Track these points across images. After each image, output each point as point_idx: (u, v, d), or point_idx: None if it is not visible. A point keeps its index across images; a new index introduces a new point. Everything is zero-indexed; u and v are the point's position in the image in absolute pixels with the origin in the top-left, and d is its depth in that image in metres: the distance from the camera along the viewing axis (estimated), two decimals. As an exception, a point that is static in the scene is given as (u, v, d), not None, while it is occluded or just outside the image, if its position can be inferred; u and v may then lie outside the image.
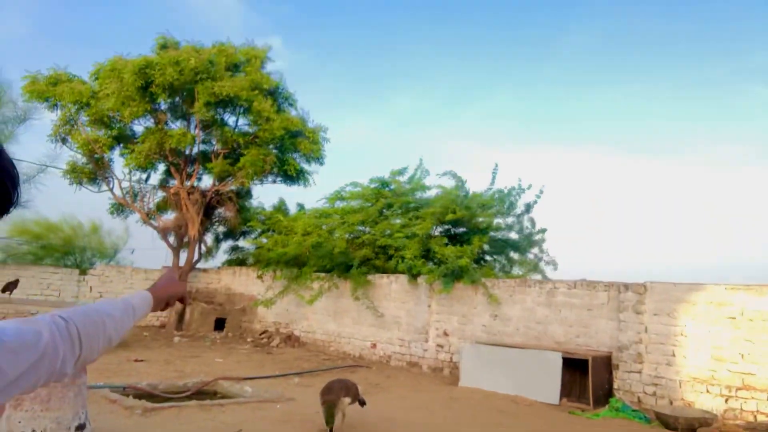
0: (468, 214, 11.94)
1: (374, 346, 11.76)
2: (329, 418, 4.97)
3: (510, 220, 12.88)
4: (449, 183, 13.10)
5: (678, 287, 8.00)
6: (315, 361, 10.90)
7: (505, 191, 12.63)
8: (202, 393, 7.10)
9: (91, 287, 14.51)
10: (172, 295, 1.55)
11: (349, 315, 12.45)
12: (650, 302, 8.16)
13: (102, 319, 1.26)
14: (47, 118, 15.74)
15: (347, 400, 5.25)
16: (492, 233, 12.34)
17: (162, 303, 1.52)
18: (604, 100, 35.88)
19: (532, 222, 12.84)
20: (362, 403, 5.48)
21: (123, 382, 6.80)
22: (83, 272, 14.83)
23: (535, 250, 12.88)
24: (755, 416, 7.10)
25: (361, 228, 12.91)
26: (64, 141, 14.00)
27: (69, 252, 16.24)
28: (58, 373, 1.12)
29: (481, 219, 11.69)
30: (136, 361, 8.97)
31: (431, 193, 13.58)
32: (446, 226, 12.54)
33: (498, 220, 12.67)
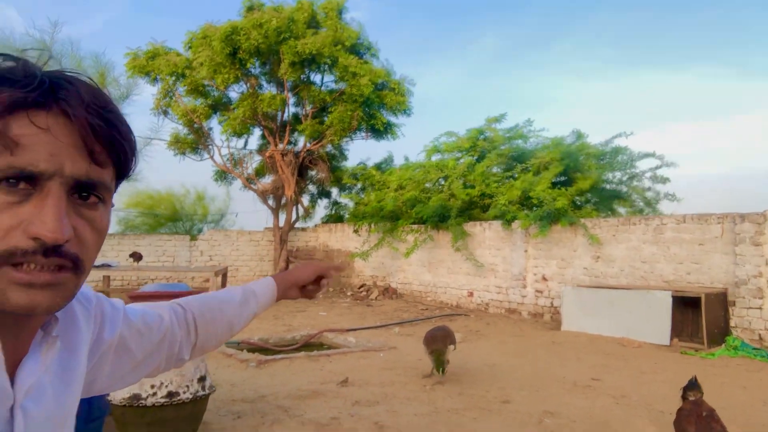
0: (576, 164, 11.46)
1: (471, 294, 11.79)
2: (439, 365, 5.08)
3: (623, 175, 12.16)
4: (559, 130, 12.60)
5: (804, 215, 7.28)
6: (413, 311, 11.11)
7: (623, 148, 11.90)
8: (309, 345, 7.49)
9: (201, 251, 15.56)
10: (299, 278, 1.42)
11: (444, 265, 12.51)
12: (772, 233, 7.50)
13: (220, 307, 1.26)
14: (148, 93, 16.71)
15: (452, 347, 5.38)
16: (599, 185, 11.71)
17: (288, 288, 1.40)
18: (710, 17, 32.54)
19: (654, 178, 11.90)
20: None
21: (237, 338, 7.29)
22: (193, 238, 15.91)
23: (649, 190, 12.07)
24: None
25: (458, 180, 12.78)
26: (165, 113, 14.82)
27: (179, 219, 17.43)
28: (176, 358, 1.16)
29: (590, 174, 11.11)
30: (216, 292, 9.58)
31: (533, 142, 13.20)
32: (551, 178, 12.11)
33: (609, 174, 12.04)
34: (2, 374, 0.72)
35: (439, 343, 5.19)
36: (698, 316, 7.52)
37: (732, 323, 7.73)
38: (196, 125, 14.63)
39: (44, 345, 0.80)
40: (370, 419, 4.13)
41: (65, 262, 0.69)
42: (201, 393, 3.44)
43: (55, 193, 0.68)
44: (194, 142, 15.20)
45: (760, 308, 7.53)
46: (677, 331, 7.63)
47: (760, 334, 7.45)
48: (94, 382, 0.99)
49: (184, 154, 15.38)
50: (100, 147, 0.71)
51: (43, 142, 0.67)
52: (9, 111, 0.68)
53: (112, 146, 0.73)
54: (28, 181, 0.67)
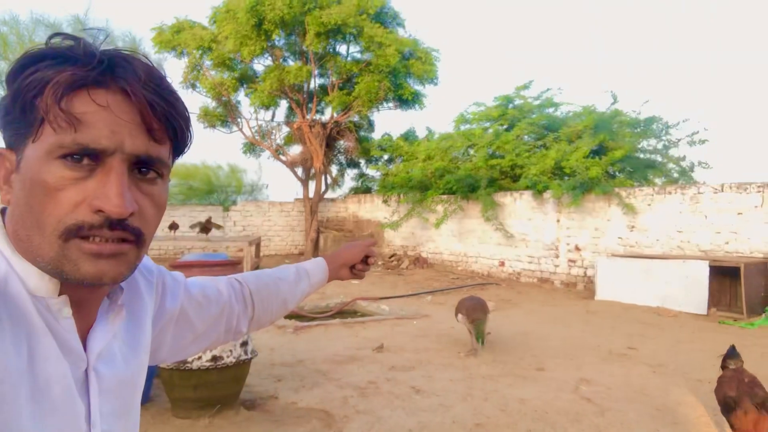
0: (610, 132, 11.19)
1: (502, 263, 11.76)
2: (480, 335, 5.06)
3: (658, 145, 11.86)
4: (591, 97, 12.32)
5: None
6: (444, 280, 11.15)
7: (658, 116, 11.59)
8: (343, 312, 7.60)
9: (234, 222, 15.82)
10: (348, 258, 1.45)
11: (475, 235, 12.48)
12: (816, 201, 7.27)
13: (275, 283, 1.30)
14: (176, 67, 16.81)
15: (488, 316, 5.36)
16: (633, 154, 11.42)
17: (339, 268, 1.44)
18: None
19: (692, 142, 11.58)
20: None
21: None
22: (226, 209, 16.16)
23: (683, 159, 11.76)
24: None
25: (488, 150, 12.63)
26: (193, 87, 14.94)
27: (213, 191, 17.69)
28: (234, 330, 1.20)
29: (624, 143, 10.84)
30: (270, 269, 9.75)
31: (564, 111, 12.92)
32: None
33: (643, 143, 11.74)
34: (75, 338, 0.76)
35: (479, 312, 5.15)
36: (737, 286, 7.39)
37: (772, 293, 7.57)
38: (224, 98, 14.71)
39: (111, 313, 0.83)
40: (407, 383, 4.20)
41: (128, 235, 0.72)
42: (243, 357, 3.54)
43: (118, 169, 0.70)
44: (223, 115, 15.31)
45: (802, 278, 7.34)
46: (715, 300, 7.51)
47: (801, 304, 7.28)
48: (158, 350, 1.02)
49: (213, 127, 15.52)
50: (158, 124, 0.73)
51: (104, 119, 0.70)
52: (71, 89, 0.70)
53: (169, 123, 0.75)
54: (91, 158, 0.70)
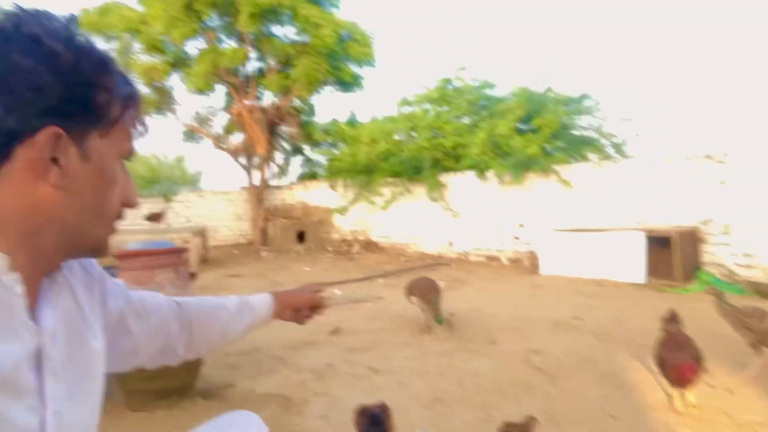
0: (541, 108, 11.47)
1: (451, 244, 11.96)
2: (439, 315, 5.05)
3: (591, 121, 12.29)
4: (526, 78, 12.61)
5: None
6: (395, 263, 11.25)
7: (589, 95, 11.97)
8: (295, 299, 7.56)
9: (177, 213, 15.37)
10: (297, 303, 1.45)
11: (423, 216, 12.62)
12: (737, 169, 7.73)
13: (216, 311, 1.29)
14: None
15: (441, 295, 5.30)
16: (566, 130, 11.80)
17: (287, 308, 1.43)
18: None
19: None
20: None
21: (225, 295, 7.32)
22: (168, 199, 15.68)
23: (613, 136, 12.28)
24: None
25: (428, 130, 12.73)
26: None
27: (155, 182, 17.13)
28: (170, 352, 1.21)
29: (556, 115, 11.14)
30: (231, 277, 9.58)
31: (501, 91, 13.14)
32: (516, 124, 12.15)
33: (576, 119, 12.12)
34: (27, 317, 0.77)
35: (432, 293, 5.12)
36: (671, 254, 7.79)
37: (704, 260, 8.03)
38: (157, 84, 14.18)
39: (52, 292, 0.85)
40: (364, 364, 4.25)
41: None
42: (198, 348, 3.48)
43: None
44: (157, 101, 14.77)
45: (729, 244, 7.83)
46: (653, 269, 7.90)
47: (730, 269, 7.77)
48: None
49: (148, 114, 14.94)
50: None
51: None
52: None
53: None
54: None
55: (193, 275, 3.67)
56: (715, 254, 7.95)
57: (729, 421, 3.06)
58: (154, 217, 11.17)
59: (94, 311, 0.96)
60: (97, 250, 0.87)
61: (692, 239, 8.03)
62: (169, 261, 3.38)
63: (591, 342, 4.80)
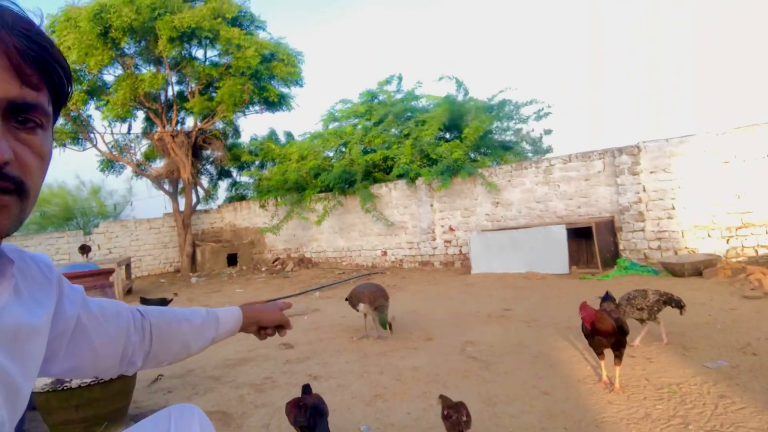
0: (464, 115, 11.91)
1: (384, 253, 12.07)
2: (384, 322, 4.97)
3: (510, 124, 12.96)
4: (447, 88, 13.15)
5: (670, 142, 8.10)
6: (331, 276, 11.23)
7: (509, 100, 12.62)
8: (230, 320, 7.39)
9: (98, 245, 14.67)
10: (264, 318, 1.42)
11: (356, 228, 12.69)
12: (645, 161, 8.29)
13: (179, 323, 1.25)
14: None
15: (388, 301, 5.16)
16: (488, 135, 12.33)
17: (253, 324, 1.41)
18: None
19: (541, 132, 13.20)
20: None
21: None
22: (87, 232, 14.96)
23: (536, 146, 13.15)
24: (756, 251, 7.42)
25: (358, 144, 12.88)
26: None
27: (70, 217, 16.29)
28: (128, 361, 1.16)
29: (477, 122, 11.56)
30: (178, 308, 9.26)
31: (425, 103, 13.50)
32: (441, 132, 12.54)
33: (497, 124, 12.67)
34: None
35: (381, 298, 5.02)
36: (591, 245, 8.22)
37: (621, 246, 8.53)
38: (73, 113, 13.60)
39: None
40: (303, 373, 4.22)
41: (7, 184, 0.70)
42: (127, 370, 3.35)
43: None
44: (73, 131, 14.15)
45: (643, 230, 8.35)
46: (575, 259, 8.31)
47: (645, 253, 8.28)
48: (52, 359, 0.98)
49: (64, 145, 14.29)
50: (30, 69, 0.72)
51: None
52: None
53: (43, 68, 0.73)
54: None
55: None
56: (631, 241, 8.45)
57: (649, 384, 3.27)
58: (85, 249, 10.85)
59: (48, 315, 0.93)
60: None
61: (610, 229, 8.51)
62: (96, 282, 3.27)
63: (521, 329, 4.99)
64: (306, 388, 2.72)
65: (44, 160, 0.77)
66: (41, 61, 0.72)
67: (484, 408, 3.12)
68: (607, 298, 3.97)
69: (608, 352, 3.32)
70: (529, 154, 13.11)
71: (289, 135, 16.71)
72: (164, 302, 6.29)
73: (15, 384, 0.82)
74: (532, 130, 12.93)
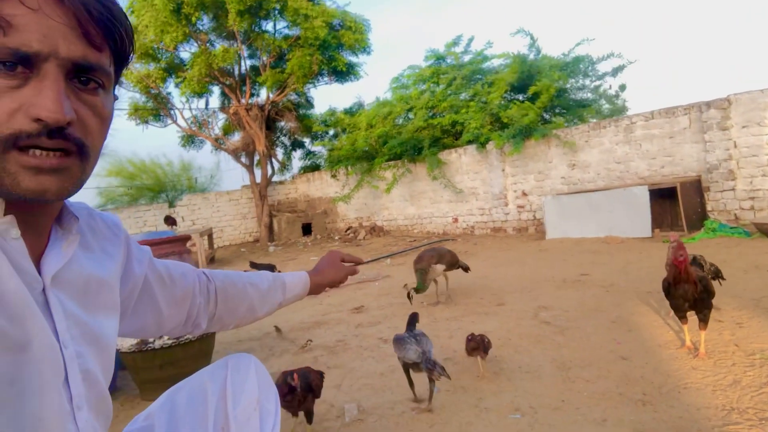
0: (538, 75, 11.40)
1: (456, 220, 11.96)
2: (420, 284, 5.00)
3: (586, 82, 12.20)
4: (520, 47, 12.59)
5: (765, 93, 7.43)
6: (402, 244, 11.27)
7: (584, 56, 11.88)
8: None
9: (182, 217, 15.46)
10: (332, 280, 1.49)
11: (426, 196, 12.62)
12: (736, 115, 7.67)
13: (244, 286, 1.27)
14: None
15: (440, 267, 5.16)
16: (563, 94, 11.72)
17: (321, 288, 1.47)
18: None
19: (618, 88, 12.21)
20: (465, 268, 5.43)
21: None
22: (172, 205, 15.77)
23: (613, 104, 12.29)
24: None
25: (425, 110, 12.70)
26: (120, 83, 14.36)
27: (161, 191, 17.22)
28: (192, 322, 1.18)
29: (550, 80, 11.06)
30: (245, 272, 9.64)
31: (496, 63, 13.05)
32: (513, 94, 12.10)
33: (571, 81, 12.02)
34: (27, 259, 0.74)
35: (424, 262, 5.06)
36: (676, 206, 7.76)
37: (708, 207, 7.99)
38: (153, 91, 14.22)
39: (64, 241, 0.82)
40: (374, 336, 4.27)
41: (69, 145, 0.70)
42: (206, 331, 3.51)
43: (53, 75, 0.68)
44: (154, 108, 14.81)
45: (733, 189, 7.78)
46: (657, 222, 7.88)
47: (735, 214, 7.73)
48: (122, 317, 0.99)
49: (146, 122, 15.01)
50: (95, 29, 0.71)
51: (35, 22, 0.66)
52: None
53: (107, 28, 0.72)
54: (25, 65, 0.67)
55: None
56: (720, 201, 7.90)
57: (738, 350, 3.06)
58: (170, 221, 11.63)
59: (118, 271, 0.95)
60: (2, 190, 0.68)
61: (696, 189, 7.99)
62: (174, 249, 3.42)
63: (598, 294, 4.80)
64: (413, 318, 3.04)
65: (105, 121, 0.77)
66: (105, 21, 0.72)
67: (557, 372, 3.04)
68: (695, 262, 3.62)
69: (692, 317, 3.13)
70: (607, 112, 12.37)
71: (359, 105, 16.73)
72: (272, 268, 6.69)
73: (96, 336, 0.84)
74: (610, 87, 12.12)
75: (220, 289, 1.22)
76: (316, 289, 1.44)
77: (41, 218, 0.79)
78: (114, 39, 0.74)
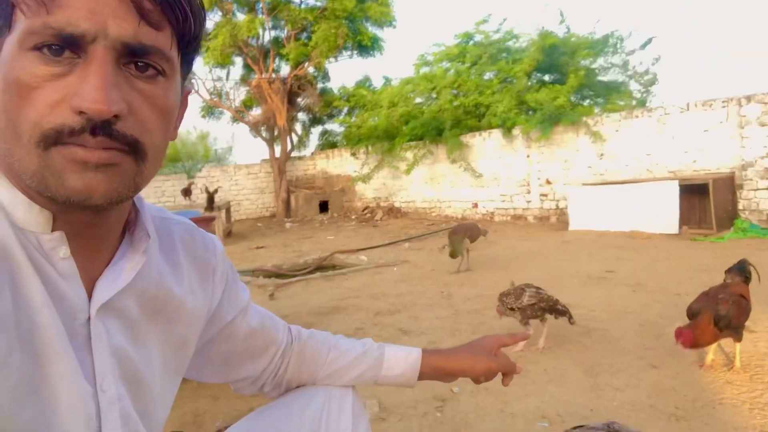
0: (566, 53, 11.06)
1: (475, 205, 11.80)
2: (455, 251, 5.89)
3: (615, 60, 11.75)
4: (548, 23, 12.13)
5: (812, 90, 7.11)
6: (420, 227, 11.16)
7: (612, 32, 11.45)
8: (322, 267, 7.54)
9: (201, 189, 15.45)
10: (462, 371, 1.14)
11: (446, 179, 12.45)
12: (778, 111, 7.37)
13: (328, 355, 1.10)
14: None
15: (467, 240, 6.13)
16: (591, 75, 11.34)
17: (443, 376, 1.15)
18: None
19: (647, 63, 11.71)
20: (484, 233, 6.47)
21: (251, 266, 7.34)
22: (190, 177, 15.78)
23: (643, 81, 11.79)
24: None
25: (449, 89, 12.43)
26: (191, 72, 14.27)
27: (179, 160, 17.24)
28: (257, 383, 1.05)
29: (579, 60, 10.70)
30: (257, 248, 9.61)
31: (523, 42, 12.67)
32: (539, 74, 11.78)
33: (600, 61, 11.62)
34: (75, 283, 0.63)
35: (458, 234, 6.05)
36: (706, 203, 7.53)
37: (740, 206, 7.75)
38: (175, 59, 14.11)
39: (128, 263, 0.69)
40: (393, 326, 4.19)
41: (116, 144, 0.58)
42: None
43: (99, 58, 0.56)
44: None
45: (768, 188, 7.52)
46: (685, 219, 7.66)
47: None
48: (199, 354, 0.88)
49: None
50: (151, 3, 0.58)
51: None
52: None
53: (166, 2, 0.59)
54: (72, 49, 0.56)
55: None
56: (753, 200, 7.65)
57: (777, 366, 2.92)
58: (188, 192, 11.73)
59: (203, 306, 0.84)
60: (43, 189, 0.58)
61: (729, 186, 7.74)
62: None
63: (625, 293, 4.66)
64: None
65: (164, 115, 0.63)
66: None
67: (584, 378, 2.93)
68: (739, 268, 3.26)
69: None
70: (637, 94, 11.87)
71: (385, 80, 16.48)
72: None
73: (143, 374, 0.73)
74: (640, 63, 11.53)
75: (294, 358, 1.07)
76: (434, 376, 1.13)
77: (100, 230, 0.67)
78: (176, 16, 0.61)
